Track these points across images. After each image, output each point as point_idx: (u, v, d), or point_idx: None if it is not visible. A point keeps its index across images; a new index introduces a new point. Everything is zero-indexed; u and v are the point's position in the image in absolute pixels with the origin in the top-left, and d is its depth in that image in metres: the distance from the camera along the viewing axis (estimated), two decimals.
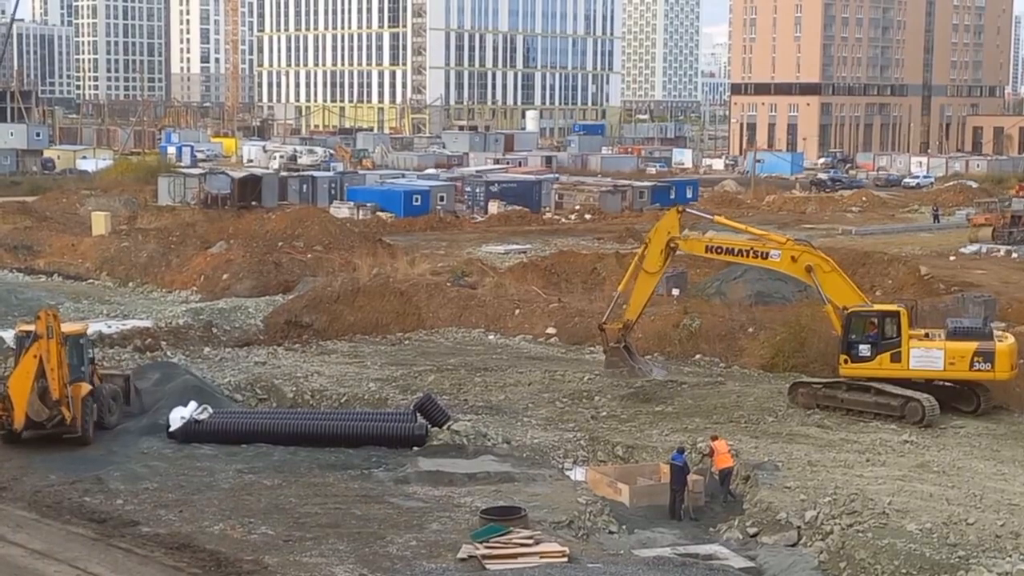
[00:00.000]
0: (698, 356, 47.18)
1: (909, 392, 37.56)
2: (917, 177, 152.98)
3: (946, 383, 38.47)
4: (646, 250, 42.17)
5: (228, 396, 39.94)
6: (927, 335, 38.72)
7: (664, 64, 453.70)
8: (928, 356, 37.91)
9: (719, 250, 42.44)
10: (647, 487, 32.03)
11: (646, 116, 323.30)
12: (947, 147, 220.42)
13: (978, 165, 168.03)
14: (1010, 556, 26.26)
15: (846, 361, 38.79)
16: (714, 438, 32.73)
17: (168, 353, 46.16)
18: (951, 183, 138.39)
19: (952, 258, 77.15)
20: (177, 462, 33.04)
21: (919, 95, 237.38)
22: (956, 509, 28.96)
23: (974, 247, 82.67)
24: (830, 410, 38.46)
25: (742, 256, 41.78)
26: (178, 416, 35.54)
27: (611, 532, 29.32)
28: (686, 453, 31.97)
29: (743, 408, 39.06)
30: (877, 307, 40.14)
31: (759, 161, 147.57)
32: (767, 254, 40.67)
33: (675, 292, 57.07)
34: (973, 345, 37.55)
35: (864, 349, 38.43)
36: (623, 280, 43.19)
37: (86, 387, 34.28)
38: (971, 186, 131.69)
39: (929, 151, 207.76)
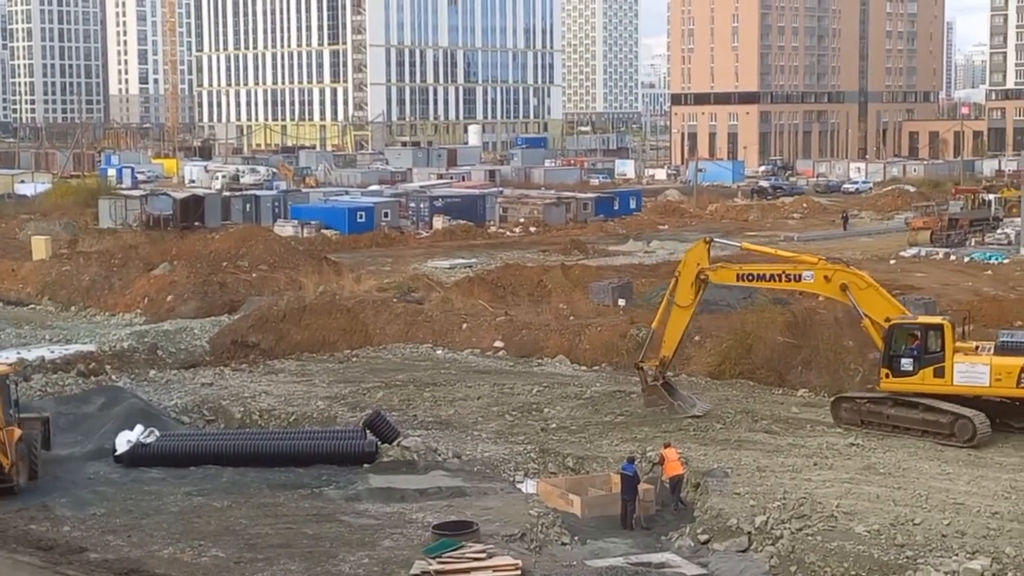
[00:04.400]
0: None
1: (959, 409, 35.67)
2: (856, 183, 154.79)
3: (995, 398, 36.71)
4: (676, 284, 40.29)
5: (175, 419, 39.66)
6: (977, 348, 37.17)
7: (604, 76, 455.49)
8: (973, 371, 36.10)
9: (751, 277, 40.63)
10: (598, 498, 32.11)
11: (588, 128, 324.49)
12: (884, 152, 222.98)
13: (915, 169, 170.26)
14: (956, 555, 26.56)
15: (887, 375, 37.06)
16: (666, 446, 32.87)
17: (113, 377, 45.75)
18: (889, 188, 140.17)
19: (892, 262, 78.00)
20: (124, 487, 32.75)
21: (856, 102, 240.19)
22: (903, 510, 29.25)
23: (913, 250, 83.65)
24: (875, 426, 37.18)
25: (775, 281, 40.14)
26: (124, 440, 35.22)
27: (563, 543, 29.37)
28: (636, 462, 32.09)
29: (691, 416, 39.20)
30: (920, 320, 38.52)
31: (701, 170, 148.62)
32: (800, 276, 39.01)
33: (621, 302, 57.32)
34: (1021, 361, 35.62)
35: (906, 363, 36.63)
36: (656, 317, 41.11)
37: (17, 432, 32.21)
38: (909, 190, 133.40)
39: (867, 157, 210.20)
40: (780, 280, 39.95)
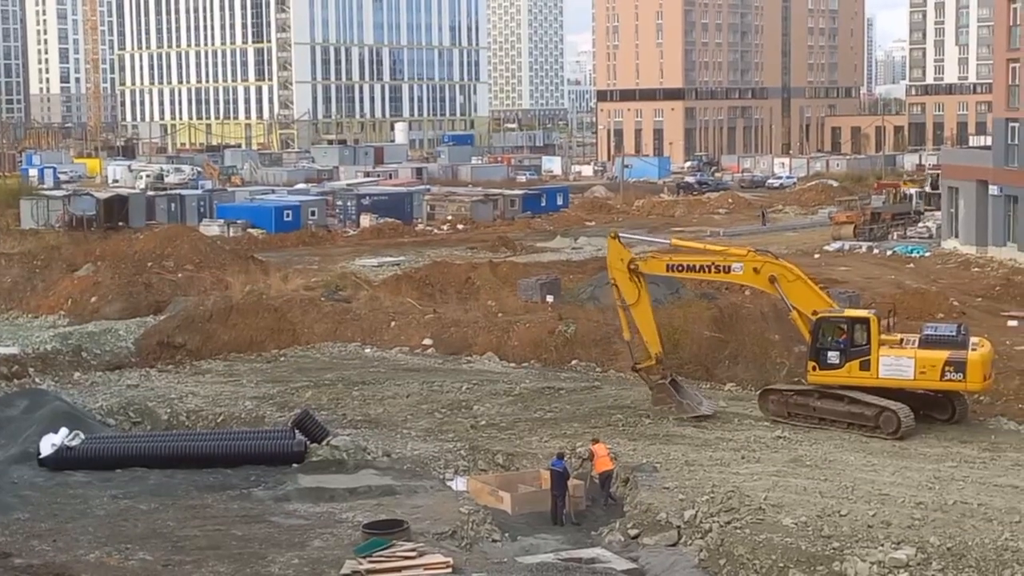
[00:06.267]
0: (574, 362, 47.54)
1: (883, 402, 36.23)
2: (780, 178, 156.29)
3: (919, 391, 37.26)
4: (617, 290, 40.14)
5: (100, 421, 39.19)
6: (902, 340, 37.55)
7: (530, 73, 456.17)
8: (898, 364, 36.54)
9: (680, 268, 40.55)
10: (528, 494, 32.19)
11: (514, 125, 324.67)
12: (808, 147, 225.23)
13: (838, 164, 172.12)
14: (882, 545, 26.92)
15: (814, 368, 37.42)
16: (595, 441, 32.97)
17: (36, 380, 45.15)
18: (813, 183, 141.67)
19: (817, 256, 78.83)
20: (49, 490, 32.29)
21: (779, 97, 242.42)
22: (829, 501, 29.60)
23: (837, 244, 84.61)
24: (801, 418, 37.50)
25: (704, 272, 40.15)
26: (49, 443, 34.74)
27: (494, 540, 29.40)
28: (566, 458, 32.19)
29: (620, 411, 39.44)
30: (847, 313, 38.84)
31: (627, 166, 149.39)
32: (729, 268, 39.10)
33: (549, 299, 57.48)
34: (944, 354, 36.10)
35: (833, 356, 36.98)
36: (623, 327, 40.77)
37: None
38: (832, 185, 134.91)
39: (791, 152, 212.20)
40: (710, 271, 39.97)
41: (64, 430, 35.31)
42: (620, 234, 41.51)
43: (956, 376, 36.20)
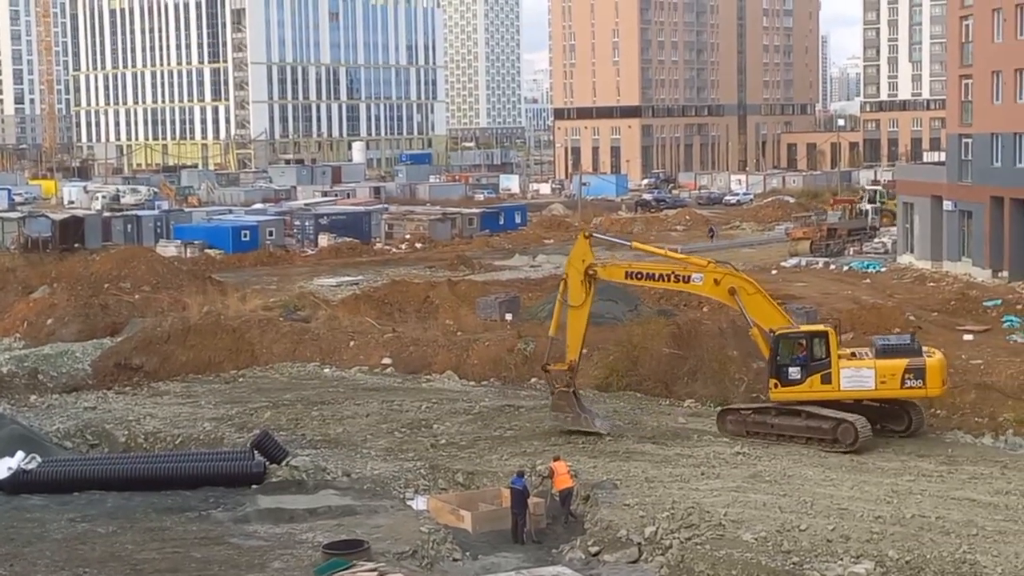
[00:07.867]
0: (534, 380, 47.54)
1: (840, 414, 36.58)
2: (737, 194, 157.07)
3: (875, 403, 37.73)
4: (565, 286, 39.66)
5: (57, 444, 38.92)
6: (853, 354, 38.03)
7: (487, 91, 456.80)
8: (859, 376, 36.97)
9: (639, 275, 40.13)
10: (489, 513, 32.16)
11: (472, 143, 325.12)
12: (764, 164, 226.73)
13: (794, 181, 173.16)
14: (841, 559, 27.07)
15: (776, 385, 37.61)
16: (555, 459, 33.00)
17: None
18: (770, 199, 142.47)
19: (774, 272, 79.19)
20: (5, 514, 32.00)
21: (735, 114, 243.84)
22: (789, 516, 29.73)
23: (794, 260, 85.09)
24: (760, 436, 37.63)
25: (663, 281, 39.87)
26: (5, 467, 34.47)
27: (455, 559, 29.36)
28: (526, 476, 32.18)
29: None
30: (805, 328, 38.88)
31: (585, 184, 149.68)
32: (689, 278, 38.84)
33: (508, 316, 57.53)
34: (903, 362, 36.75)
35: (794, 372, 37.25)
36: (553, 323, 40.29)
37: None
38: (788, 201, 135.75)
39: (747, 169, 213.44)
40: (669, 280, 39.68)
41: (20, 453, 35.04)
42: (594, 235, 41.28)
43: (916, 383, 36.86)
